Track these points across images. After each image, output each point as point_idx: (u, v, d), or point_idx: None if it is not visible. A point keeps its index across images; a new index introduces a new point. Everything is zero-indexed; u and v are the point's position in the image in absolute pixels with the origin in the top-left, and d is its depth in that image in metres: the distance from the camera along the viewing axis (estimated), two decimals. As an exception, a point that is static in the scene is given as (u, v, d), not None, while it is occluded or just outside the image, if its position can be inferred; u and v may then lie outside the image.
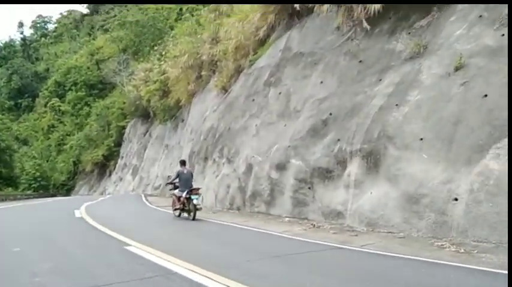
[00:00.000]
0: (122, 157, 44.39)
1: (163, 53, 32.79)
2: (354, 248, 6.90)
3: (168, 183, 13.97)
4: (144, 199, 22.66)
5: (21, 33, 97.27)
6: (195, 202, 11.57)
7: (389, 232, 8.13)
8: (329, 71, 11.88)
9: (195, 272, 5.23)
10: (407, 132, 8.52)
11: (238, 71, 18.71)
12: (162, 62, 32.05)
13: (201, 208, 12.20)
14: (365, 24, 11.29)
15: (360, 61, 11.13)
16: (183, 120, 29.65)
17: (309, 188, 10.78)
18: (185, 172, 12.44)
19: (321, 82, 11.97)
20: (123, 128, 46.15)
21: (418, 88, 8.90)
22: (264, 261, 5.99)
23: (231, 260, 6.00)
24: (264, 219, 11.37)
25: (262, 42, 17.03)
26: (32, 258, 6.50)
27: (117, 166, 45.34)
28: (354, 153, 9.50)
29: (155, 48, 39.32)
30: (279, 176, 11.93)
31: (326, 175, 10.25)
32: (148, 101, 35.10)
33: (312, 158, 10.68)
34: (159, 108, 33.82)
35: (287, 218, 11.02)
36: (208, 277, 4.95)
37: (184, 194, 11.87)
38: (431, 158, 7.85)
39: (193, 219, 11.60)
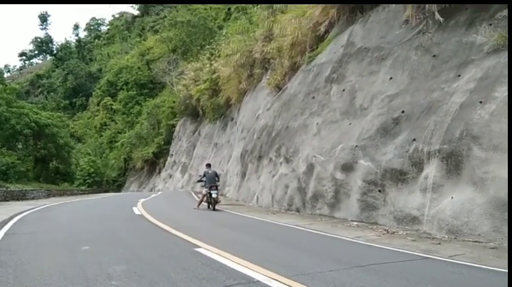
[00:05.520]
0: (172, 155, 45.11)
1: (215, 52, 32.84)
2: (443, 259, 6.29)
3: (198, 181, 16.97)
4: (195, 196, 22.62)
5: (77, 35, 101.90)
6: (213, 196, 14.56)
7: (476, 241, 7.44)
8: (399, 67, 11.16)
9: (278, 281, 4.85)
10: (495, 132, 7.76)
11: (294, 68, 18.24)
12: (213, 61, 32.14)
13: (220, 201, 15.49)
14: (438, 16, 10.56)
15: (434, 56, 10.38)
16: (232, 119, 29.56)
17: (380, 191, 10.14)
18: (210, 172, 15.25)
19: (390, 78, 11.27)
20: (173, 126, 46.93)
21: (506, 83, 8.10)
22: (350, 271, 5.49)
23: (313, 269, 5.54)
24: (329, 222, 10.84)
25: (320, 39, 16.47)
26: (103, 258, 6.32)
27: (166, 163, 46.14)
28: (432, 154, 8.80)
29: (205, 47, 39.54)
30: (344, 177, 11.35)
31: (399, 177, 9.57)
32: (198, 100, 35.43)
33: (383, 159, 10.04)
34: (209, 107, 34.01)
35: (354, 223, 10.45)
36: (294, 288, 4.56)
37: (206, 190, 14.82)
38: (528, 161, 7.09)
39: (214, 209, 14.46)
